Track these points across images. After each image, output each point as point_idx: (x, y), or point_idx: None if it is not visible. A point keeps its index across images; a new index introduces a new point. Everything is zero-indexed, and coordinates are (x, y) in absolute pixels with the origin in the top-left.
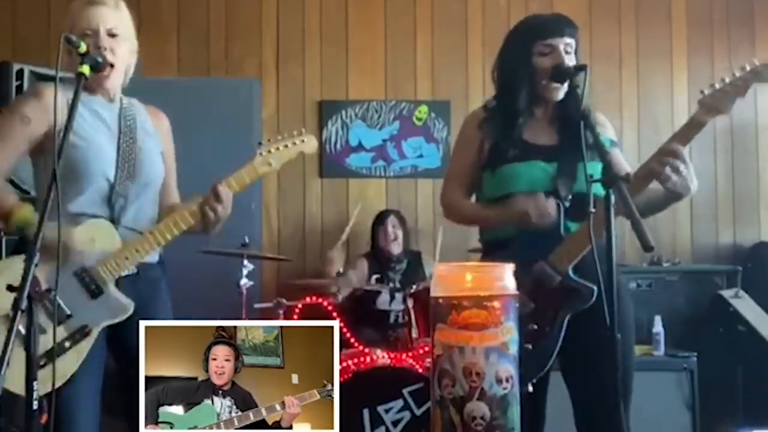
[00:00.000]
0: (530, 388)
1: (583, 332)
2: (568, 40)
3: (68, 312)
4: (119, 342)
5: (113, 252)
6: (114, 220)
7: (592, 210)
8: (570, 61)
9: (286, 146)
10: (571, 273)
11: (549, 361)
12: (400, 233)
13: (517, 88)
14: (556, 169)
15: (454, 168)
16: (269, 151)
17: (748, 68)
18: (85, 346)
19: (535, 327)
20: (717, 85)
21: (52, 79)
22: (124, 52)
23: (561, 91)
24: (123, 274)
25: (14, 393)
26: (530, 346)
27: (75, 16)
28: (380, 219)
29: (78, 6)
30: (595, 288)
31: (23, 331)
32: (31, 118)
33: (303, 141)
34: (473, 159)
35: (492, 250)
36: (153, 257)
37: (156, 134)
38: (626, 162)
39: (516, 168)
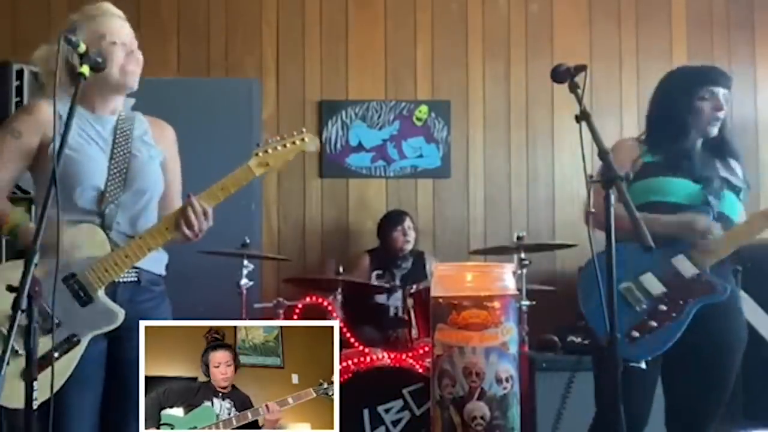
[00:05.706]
0: (643, 365)
1: (700, 333)
2: (724, 91)
3: (56, 320)
4: (116, 359)
5: (102, 257)
6: (105, 227)
7: (592, 210)
8: (725, 112)
9: (285, 146)
10: (708, 270)
11: (668, 343)
12: (413, 234)
13: (680, 130)
14: (702, 187)
15: None
16: (266, 152)
17: None
18: (74, 356)
19: (664, 308)
20: None
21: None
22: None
23: (716, 128)
24: (115, 279)
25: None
26: (655, 324)
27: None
28: (395, 220)
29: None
30: (729, 287)
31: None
32: (22, 132)
33: (303, 140)
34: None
35: None
36: (159, 269)
37: (156, 145)
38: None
39: (673, 181)
